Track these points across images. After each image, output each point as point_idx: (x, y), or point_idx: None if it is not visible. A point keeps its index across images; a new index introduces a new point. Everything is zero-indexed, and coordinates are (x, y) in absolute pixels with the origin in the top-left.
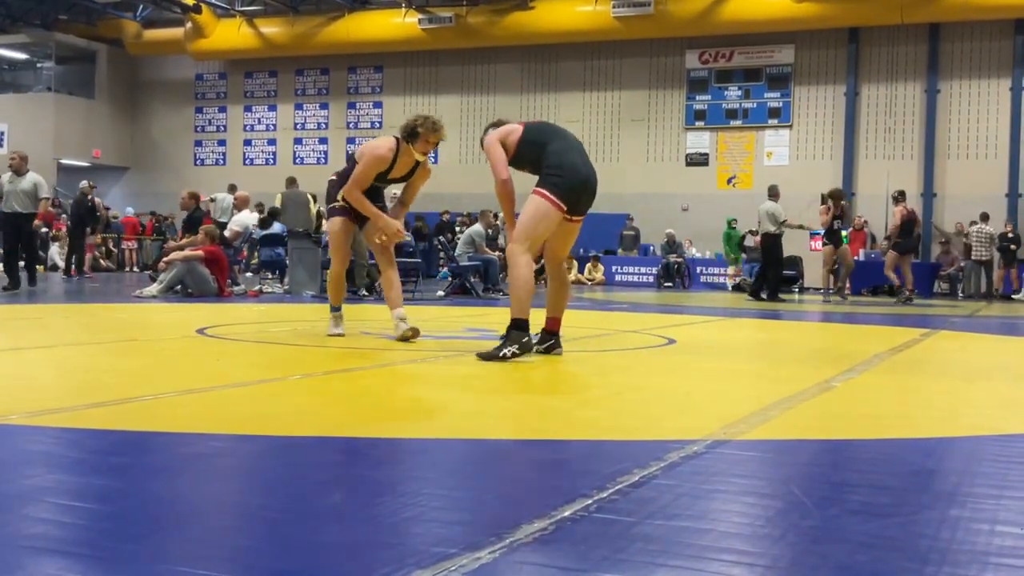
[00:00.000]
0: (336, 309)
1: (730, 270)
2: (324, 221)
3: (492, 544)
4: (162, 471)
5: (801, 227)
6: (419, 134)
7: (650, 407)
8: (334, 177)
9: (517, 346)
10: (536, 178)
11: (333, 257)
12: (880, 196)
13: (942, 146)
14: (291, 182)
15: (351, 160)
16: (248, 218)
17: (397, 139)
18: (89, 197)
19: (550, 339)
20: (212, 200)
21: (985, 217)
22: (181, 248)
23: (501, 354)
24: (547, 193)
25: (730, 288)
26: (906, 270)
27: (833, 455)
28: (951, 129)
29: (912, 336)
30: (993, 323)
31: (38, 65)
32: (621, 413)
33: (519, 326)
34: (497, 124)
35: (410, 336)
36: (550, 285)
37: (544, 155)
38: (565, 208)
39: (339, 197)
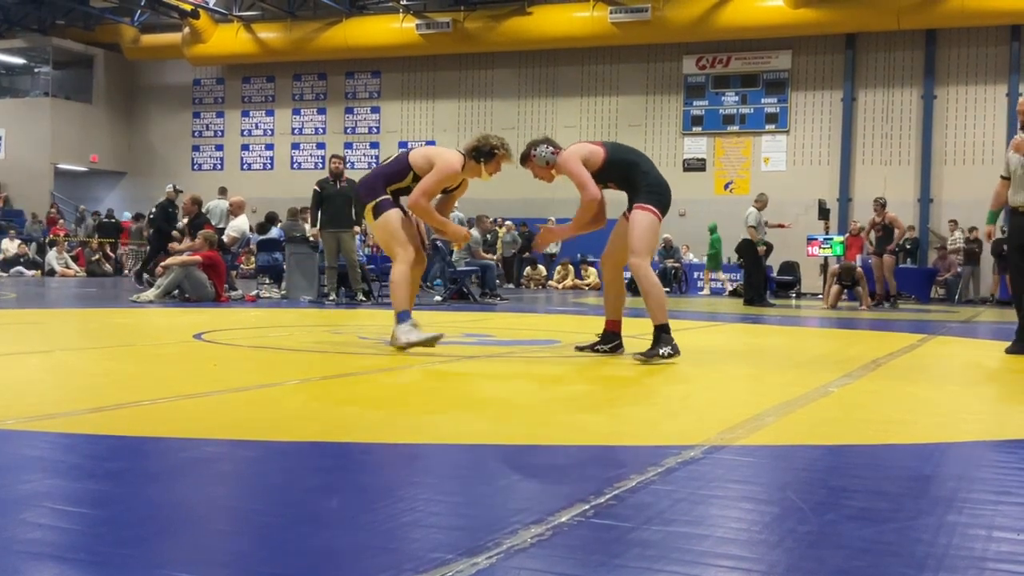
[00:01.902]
0: (406, 316)
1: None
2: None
3: (489, 550)
4: (158, 476)
5: (781, 225)
6: (495, 156)
7: (647, 412)
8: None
9: (670, 347)
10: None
11: (399, 252)
12: None
13: (939, 152)
14: (292, 214)
15: (401, 162)
16: (245, 223)
17: (463, 155)
18: (174, 201)
19: (615, 339)
20: (207, 212)
21: (955, 224)
22: (180, 253)
23: (661, 352)
24: (653, 208)
25: (727, 293)
26: (889, 276)
27: (830, 460)
28: (948, 135)
29: (909, 341)
30: (989, 329)
31: (35, 70)
32: (618, 419)
33: (665, 330)
34: (546, 141)
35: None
36: (610, 291)
37: (637, 173)
38: (661, 220)
39: (402, 203)
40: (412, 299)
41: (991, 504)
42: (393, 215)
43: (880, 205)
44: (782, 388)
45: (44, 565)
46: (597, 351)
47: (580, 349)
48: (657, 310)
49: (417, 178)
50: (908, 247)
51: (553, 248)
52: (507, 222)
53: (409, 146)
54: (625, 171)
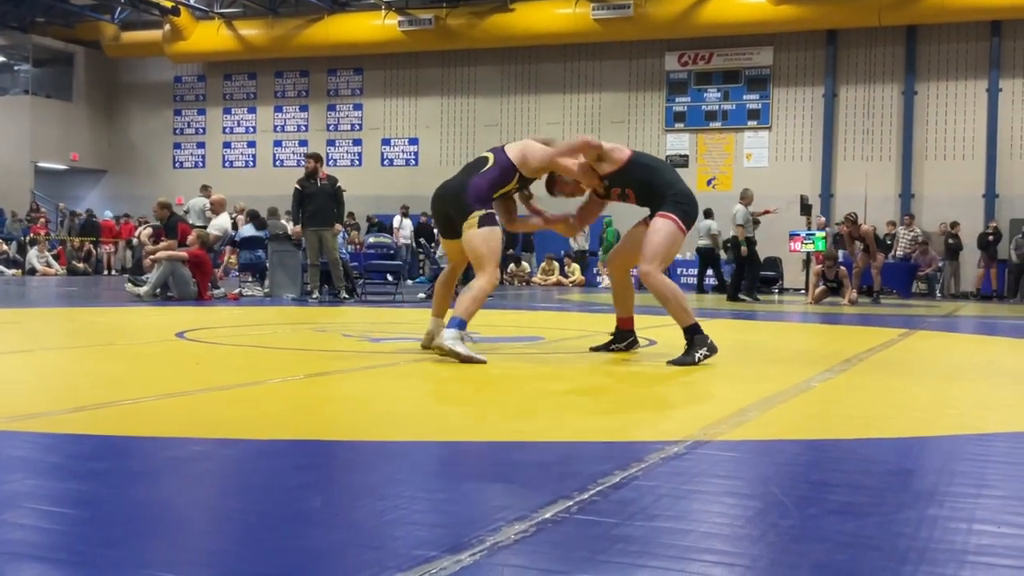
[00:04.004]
0: (463, 325)
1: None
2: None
3: (473, 547)
4: (141, 476)
5: (767, 211)
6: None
7: (630, 409)
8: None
9: (705, 348)
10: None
11: (490, 270)
12: (858, 197)
13: (920, 147)
14: (272, 213)
15: (505, 166)
16: (227, 221)
17: None
18: (339, 186)
19: (629, 336)
20: (187, 212)
21: (911, 220)
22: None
23: (697, 357)
24: (678, 219)
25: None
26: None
27: (812, 455)
28: (928, 130)
29: (890, 336)
30: (971, 323)
31: (15, 68)
32: (602, 415)
33: (696, 330)
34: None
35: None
36: (618, 289)
37: (663, 182)
38: (686, 233)
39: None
40: (445, 307)
41: (971, 498)
42: (498, 232)
43: (851, 222)
44: (764, 384)
45: (26, 565)
46: (612, 350)
47: (595, 350)
48: (680, 313)
49: (523, 179)
50: (889, 242)
51: (582, 241)
52: None
53: (392, 143)
54: (648, 176)
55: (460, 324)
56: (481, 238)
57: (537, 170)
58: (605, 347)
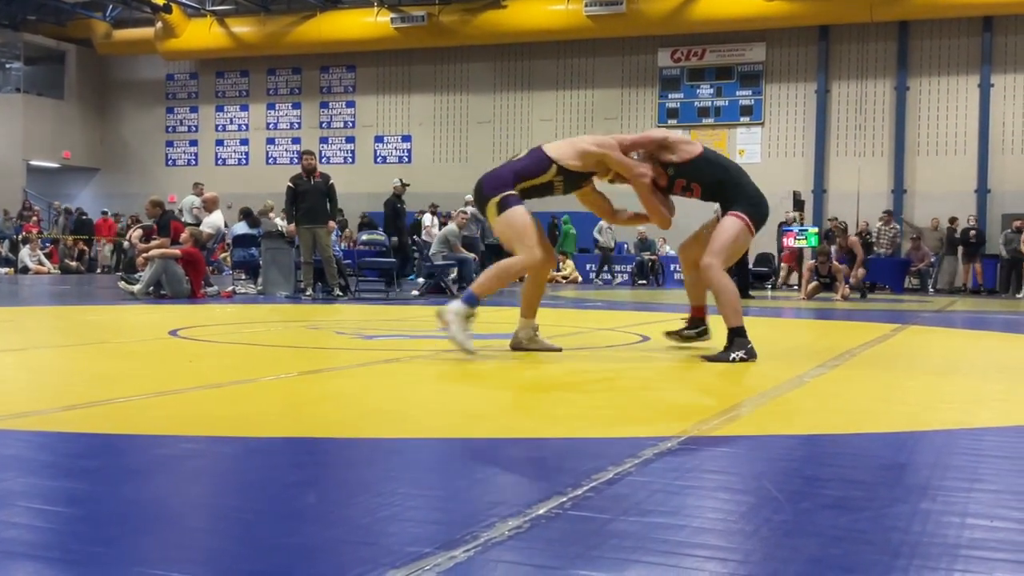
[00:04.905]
0: (474, 301)
1: None
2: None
3: (467, 543)
4: (134, 474)
5: None
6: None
7: (624, 404)
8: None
9: (744, 351)
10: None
11: (532, 249)
12: (851, 193)
13: (912, 142)
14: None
15: (539, 157)
16: (220, 219)
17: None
18: (401, 196)
19: (701, 324)
20: (180, 210)
21: (888, 216)
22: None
23: (732, 357)
24: (748, 219)
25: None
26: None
27: (805, 450)
28: (921, 126)
29: (883, 331)
30: (963, 318)
31: (6, 66)
32: (595, 411)
33: (740, 333)
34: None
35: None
36: (690, 277)
37: (734, 182)
38: (754, 234)
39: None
40: (535, 306)
41: (964, 492)
42: (520, 211)
43: (840, 231)
44: (757, 379)
45: (19, 564)
46: (684, 335)
47: (669, 335)
48: (730, 313)
49: (563, 171)
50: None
51: (609, 238)
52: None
53: (385, 140)
54: (720, 175)
55: (470, 298)
56: (504, 223)
57: (588, 164)
58: (678, 333)
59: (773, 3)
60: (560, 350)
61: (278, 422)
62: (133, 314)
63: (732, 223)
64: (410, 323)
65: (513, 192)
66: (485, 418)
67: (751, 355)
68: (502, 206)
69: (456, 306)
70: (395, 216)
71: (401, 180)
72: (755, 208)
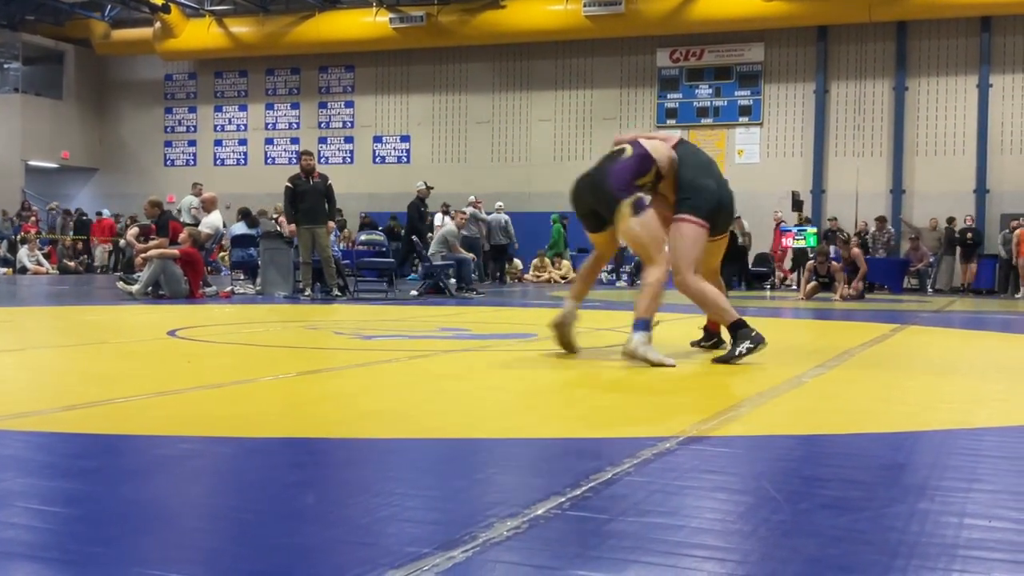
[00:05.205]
0: (647, 327)
1: None
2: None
3: (465, 543)
4: (133, 474)
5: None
6: None
7: (622, 404)
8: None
9: (749, 341)
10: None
11: (659, 257)
12: (850, 193)
13: (910, 143)
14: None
15: (645, 156)
16: (218, 219)
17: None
18: (425, 200)
19: (714, 337)
20: (179, 210)
21: (882, 224)
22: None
23: (737, 352)
24: (690, 217)
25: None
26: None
27: (804, 450)
28: (919, 126)
29: (882, 331)
30: (962, 318)
31: (5, 66)
32: (593, 411)
33: (740, 325)
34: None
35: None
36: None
37: (683, 184)
38: (705, 225)
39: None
40: (585, 292)
41: (962, 492)
42: (655, 215)
43: (843, 241)
44: (756, 379)
45: (17, 564)
46: (703, 346)
47: (693, 344)
48: (720, 313)
49: (657, 175)
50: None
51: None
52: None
53: (384, 140)
54: (681, 174)
55: (646, 325)
56: (640, 226)
57: (667, 174)
58: (698, 343)
59: (772, 3)
60: (577, 351)
61: (277, 422)
62: (132, 314)
63: (675, 229)
64: (409, 323)
65: (644, 195)
66: (483, 418)
67: (757, 341)
68: (637, 208)
69: (638, 338)
70: (419, 219)
71: (426, 183)
72: (690, 202)
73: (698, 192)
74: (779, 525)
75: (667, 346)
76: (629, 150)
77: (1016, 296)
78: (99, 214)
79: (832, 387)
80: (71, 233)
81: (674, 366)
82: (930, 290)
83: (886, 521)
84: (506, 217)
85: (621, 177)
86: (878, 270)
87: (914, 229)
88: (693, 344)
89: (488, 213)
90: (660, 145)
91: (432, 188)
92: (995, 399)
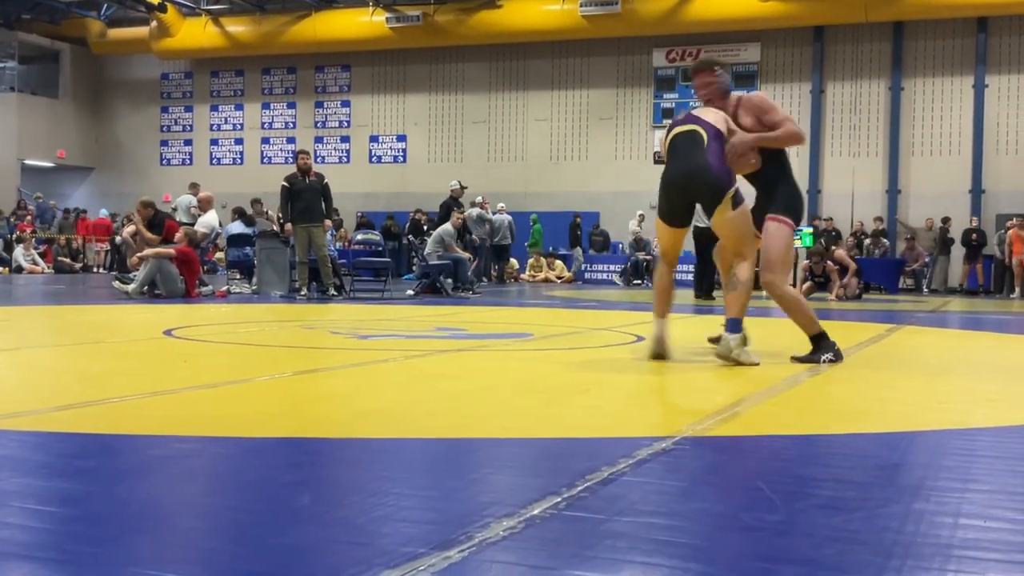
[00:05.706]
0: (740, 327)
1: None
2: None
3: (462, 543)
4: (129, 474)
5: None
6: None
7: (619, 404)
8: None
9: (832, 353)
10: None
11: (750, 253)
12: (845, 194)
13: (906, 143)
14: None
15: (712, 129)
16: (214, 219)
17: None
18: (459, 199)
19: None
20: (174, 209)
21: (877, 240)
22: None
23: (821, 360)
24: (788, 220)
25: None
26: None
27: (799, 450)
28: (915, 126)
29: (878, 332)
30: (957, 319)
31: (0, 65)
32: (589, 411)
33: (823, 337)
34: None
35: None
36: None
37: (780, 176)
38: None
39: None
40: (669, 307)
41: (957, 492)
42: (748, 208)
43: (824, 248)
44: (751, 379)
45: (13, 564)
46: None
47: (711, 340)
48: (805, 323)
49: None
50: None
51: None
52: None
53: (380, 140)
54: (774, 165)
55: (738, 325)
56: (741, 218)
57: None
58: (717, 339)
59: (768, 4)
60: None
61: (273, 422)
62: (127, 314)
63: (775, 229)
64: (405, 323)
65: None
66: (480, 418)
67: (839, 356)
68: (736, 200)
69: (732, 339)
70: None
71: (459, 182)
72: (796, 208)
73: (790, 196)
74: (775, 525)
75: (674, 345)
76: (703, 133)
77: (1011, 296)
78: (83, 212)
79: (828, 387)
80: (73, 231)
81: (758, 363)
82: (926, 290)
83: (881, 521)
84: (509, 217)
85: (722, 166)
86: (874, 270)
87: (910, 229)
88: (711, 340)
89: (492, 213)
90: (718, 117)
91: (466, 188)
92: (990, 399)
